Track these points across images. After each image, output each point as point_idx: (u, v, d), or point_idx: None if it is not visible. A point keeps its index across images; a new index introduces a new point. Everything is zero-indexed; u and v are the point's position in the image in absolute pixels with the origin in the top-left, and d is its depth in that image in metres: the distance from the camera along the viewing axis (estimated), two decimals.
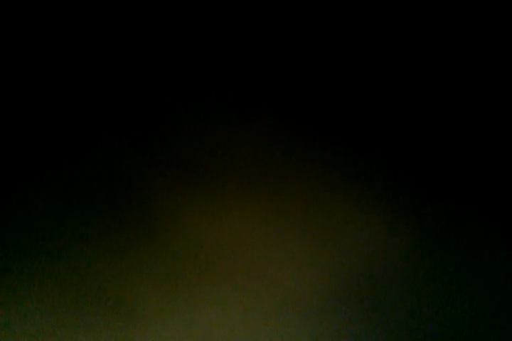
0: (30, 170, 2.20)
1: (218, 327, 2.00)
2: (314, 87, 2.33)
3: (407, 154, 2.27)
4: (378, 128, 2.30)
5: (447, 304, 2.05)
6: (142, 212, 2.15)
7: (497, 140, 2.27)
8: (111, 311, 2.01)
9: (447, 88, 2.33)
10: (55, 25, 2.31)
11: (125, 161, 2.22)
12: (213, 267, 2.08)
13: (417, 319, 2.02)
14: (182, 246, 2.11)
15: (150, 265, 2.08)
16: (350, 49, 2.35)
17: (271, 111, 2.30)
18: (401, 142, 2.29)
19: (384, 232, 2.15)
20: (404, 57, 2.35)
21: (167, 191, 2.19)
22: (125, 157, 2.23)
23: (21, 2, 2.31)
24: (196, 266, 2.08)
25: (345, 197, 2.20)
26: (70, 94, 2.29)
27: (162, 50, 2.34)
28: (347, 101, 2.32)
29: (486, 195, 2.21)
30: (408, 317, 2.03)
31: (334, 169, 2.24)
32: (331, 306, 2.04)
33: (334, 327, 2.01)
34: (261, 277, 2.07)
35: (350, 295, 2.06)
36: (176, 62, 2.33)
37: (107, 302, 2.02)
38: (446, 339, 2.00)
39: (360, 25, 2.36)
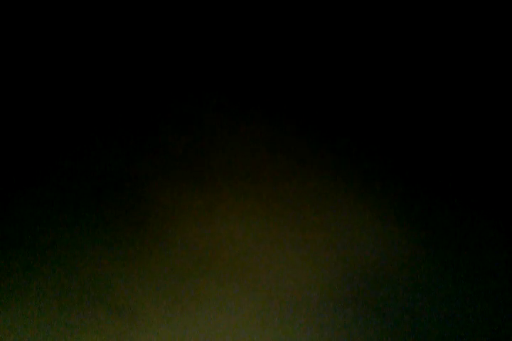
0: (33, 173, 2.20)
1: (218, 329, 2.00)
2: (316, 89, 2.33)
3: (409, 156, 2.27)
4: (382, 129, 2.30)
5: (452, 306, 2.05)
6: (142, 216, 2.15)
7: (498, 141, 2.27)
8: (111, 313, 2.01)
9: (451, 92, 2.33)
10: (53, 29, 2.31)
11: (126, 166, 2.22)
12: (212, 270, 2.08)
13: (420, 321, 2.03)
14: (181, 250, 2.11)
15: (150, 268, 2.08)
16: (353, 52, 2.35)
17: (270, 113, 2.30)
18: (404, 144, 2.28)
19: (386, 235, 2.15)
20: (412, 64, 2.35)
21: (166, 195, 2.19)
22: (124, 162, 2.22)
23: (21, 2, 2.31)
24: (195, 269, 2.08)
25: (347, 199, 2.20)
26: (68, 96, 2.29)
27: (163, 53, 2.34)
28: (348, 101, 2.32)
29: (488, 196, 2.21)
30: (412, 320, 2.03)
31: (335, 171, 2.24)
32: (332, 308, 2.04)
33: (335, 328, 2.01)
34: (261, 280, 2.07)
35: (352, 298, 2.06)
36: (177, 64, 2.33)
37: (107, 305, 2.02)
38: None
39: (366, 31, 2.36)
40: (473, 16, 2.35)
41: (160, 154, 2.24)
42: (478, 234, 2.15)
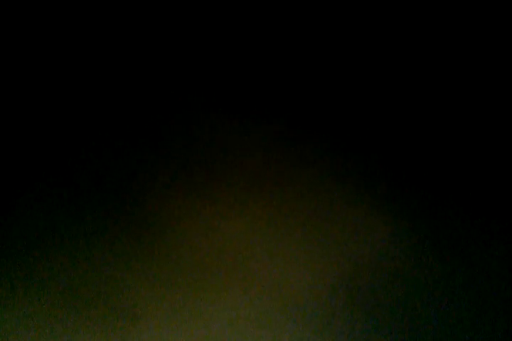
0: (36, 174, 2.20)
1: (218, 330, 2.01)
2: (317, 91, 2.33)
3: (411, 158, 2.27)
4: (382, 129, 2.29)
5: (453, 309, 2.05)
6: (144, 216, 2.15)
7: (499, 140, 2.27)
8: (111, 314, 2.01)
9: (450, 92, 2.33)
10: (55, 29, 2.30)
11: (127, 167, 2.22)
12: (213, 271, 2.09)
13: (418, 323, 2.03)
14: (183, 250, 2.11)
15: (150, 268, 2.08)
16: (352, 54, 2.35)
17: (273, 114, 2.30)
18: (406, 147, 2.28)
19: (387, 237, 2.15)
20: (409, 64, 2.34)
21: (168, 195, 2.19)
22: (126, 163, 2.22)
23: (21, 2, 2.30)
24: (196, 270, 2.08)
25: (349, 201, 2.20)
26: (72, 96, 2.28)
27: (166, 52, 2.33)
28: (349, 104, 2.32)
29: (489, 195, 2.21)
30: (409, 322, 2.03)
31: (336, 170, 2.24)
32: (332, 310, 2.04)
33: (334, 331, 2.01)
34: (262, 281, 2.07)
35: (351, 300, 2.06)
36: (181, 65, 2.33)
37: (107, 305, 2.02)
38: None
39: (365, 30, 2.35)
40: (473, 16, 2.35)
41: (161, 155, 2.24)
42: (480, 234, 2.15)
